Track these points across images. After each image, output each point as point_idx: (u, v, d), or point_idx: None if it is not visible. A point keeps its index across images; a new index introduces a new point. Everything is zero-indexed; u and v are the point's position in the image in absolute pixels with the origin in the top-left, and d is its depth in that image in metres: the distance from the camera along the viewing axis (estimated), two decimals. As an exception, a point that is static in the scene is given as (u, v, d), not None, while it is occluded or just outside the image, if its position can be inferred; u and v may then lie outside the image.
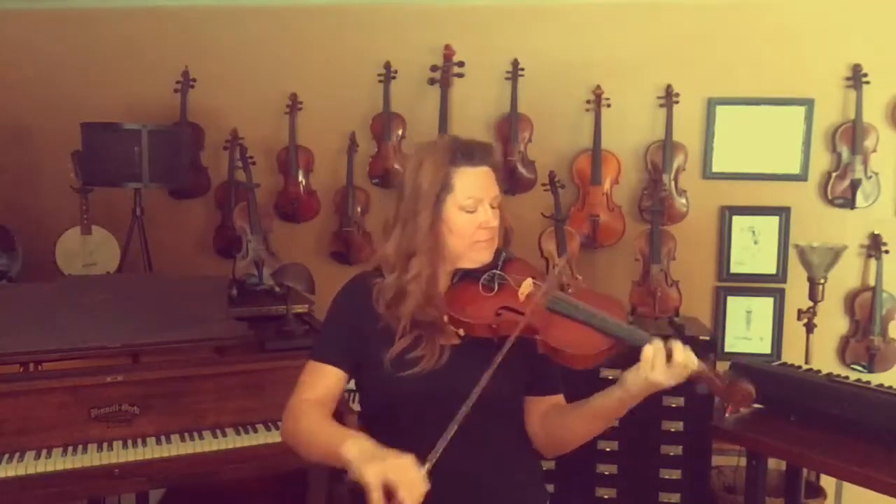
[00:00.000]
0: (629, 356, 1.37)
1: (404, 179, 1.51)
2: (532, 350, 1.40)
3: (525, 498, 1.58)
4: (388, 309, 1.49)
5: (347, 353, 1.53)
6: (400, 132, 3.50)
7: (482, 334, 1.43)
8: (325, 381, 1.51)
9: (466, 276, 1.50)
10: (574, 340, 1.36)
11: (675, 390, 2.88)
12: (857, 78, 3.32)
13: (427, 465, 1.23)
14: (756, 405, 2.59)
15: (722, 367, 2.69)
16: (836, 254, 2.98)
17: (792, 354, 3.26)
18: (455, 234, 1.47)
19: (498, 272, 1.49)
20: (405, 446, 1.33)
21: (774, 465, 2.90)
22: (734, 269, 3.49)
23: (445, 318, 1.45)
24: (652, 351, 1.31)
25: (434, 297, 1.48)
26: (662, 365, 1.31)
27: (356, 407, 2.20)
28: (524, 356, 1.42)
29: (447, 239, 1.48)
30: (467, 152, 1.47)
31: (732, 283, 3.50)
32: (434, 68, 3.47)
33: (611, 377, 2.55)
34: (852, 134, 3.34)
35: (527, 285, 1.46)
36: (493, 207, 1.49)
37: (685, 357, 1.31)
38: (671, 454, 3.11)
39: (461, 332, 1.45)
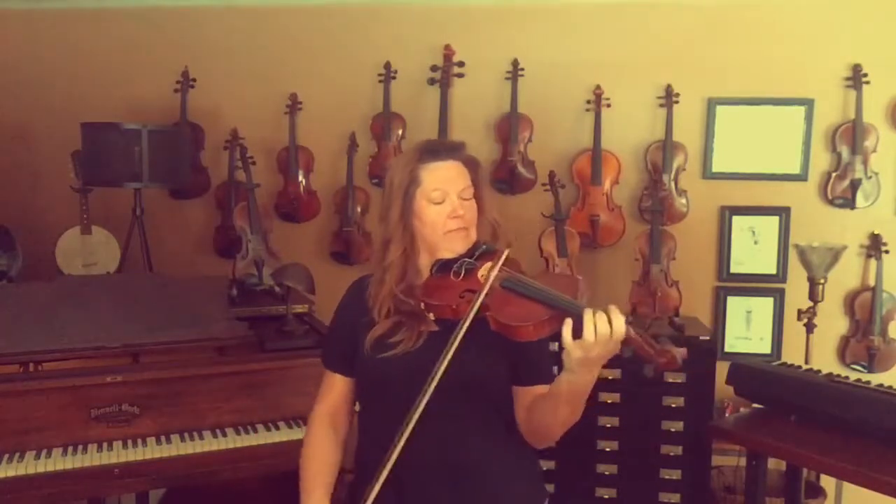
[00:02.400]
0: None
1: (384, 184, 1.63)
2: (491, 330, 1.42)
3: (520, 493, 1.58)
4: (374, 298, 1.58)
5: (348, 358, 1.62)
6: (400, 132, 3.50)
7: (447, 315, 1.49)
8: (334, 389, 1.66)
9: (443, 267, 1.57)
10: (518, 314, 1.41)
11: (675, 391, 2.87)
12: (857, 78, 3.32)
13: None
14: (756, 405, 2.60)
15: (722, 367, 2.68)
16: (836, 254, 2.98)
17: (792, 354, 3.26)
18: (427, 226, 1.55)
19: (468, 260, 1.55)
20: (386, 429, 1.40)
21: (774, 465, 2.91)
22: (734, 269, 3.49)
23: (422, 306, 1.53)
24: (568, 327, 1.30)
25: (412, 287, 1.56)
26: (590, 337, 1.28)
27: (356, 407, 2.21)
28: (502, 343, 1.44)
29: (421, 231, 1.56)
30: (433, 150, 1.58)
31: (732, 283, 3.50)
32: (434, 68, 3.47)
33: (609, 377, 2.55)
34: (852, 134, 3.34)
35: (486, 268, 1.52)
36: (464, 199, 1.56)
37: (604, 328, 1.28)
38: (671, 454, 3.11)
39: (432, 316, 1.53)
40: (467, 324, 1.41)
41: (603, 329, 1.28)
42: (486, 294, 1.44)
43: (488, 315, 1.43)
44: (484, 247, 1.57)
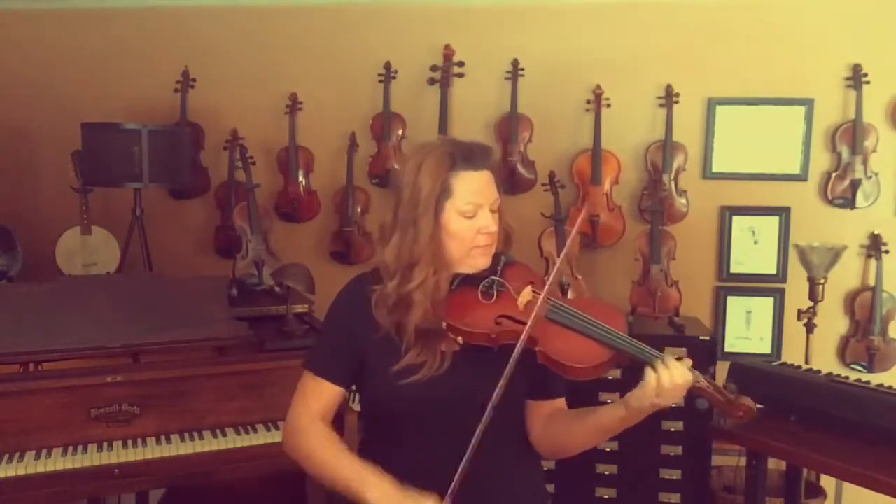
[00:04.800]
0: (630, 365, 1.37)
1: (402, 183, 1.47)
2: (531, 357, 1.38)
3: (526, 500, 1.57)
4: (389, 316, 1.46)
5: (345, 369, 1.53)
6: (400, 132, 3.50)
7: (481, 343, 1.40)
8: (323, 397, 1.53)
9: (465, 282, 1.46)
10: (573, 352, 1.34)
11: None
12: (857, 78, 3.31)
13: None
14: (756, 405, 2.60)
15: (722, 367, 2.68)
16: (836, 254, 2.98)
17: (792, 354, 3.26)
18: (454, 240, 1.44)
19: (497, 279, 1.45)
20: (406, 452, 1.34)
21: (774, 465, 2.90)
22: (734, 269, 3.49)
23: (444, 326, 1.42)
24: (655, 378, 1.29)
25: (437, 304, 1.45)
26: (668, 386, 1.28)
27: (356, 407, 2.21)
28: (524, 362, 1.40)
29: (447, 244, 1.45)
30: (467, 156, 1.44)
31: (732, 283, 3.50)
32: (434, 68, 3.47)
33: (609, 377, 2.56)
34: (852, 134, 3.34)
35: (526, 293, 1.43)
36: (492, 212, 1.47)
37: (685, 377, 1.28)
38: (671, 454, 3.11)
39: (460, 339, 1.42)
40: (514, 362, 1.31)
41: (676, 380, 1.28)
42: (532, 325, 1.35)
43: (537, 350, 1.35)
44: (504, 259, 1.49)
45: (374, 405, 1.56)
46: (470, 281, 1.46)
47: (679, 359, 1.32)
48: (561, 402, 1.55)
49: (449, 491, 1.27)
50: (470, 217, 1.43)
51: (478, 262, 1.47)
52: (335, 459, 1.44)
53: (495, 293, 1.44)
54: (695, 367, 1.34)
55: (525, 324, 1.35)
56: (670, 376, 1.28)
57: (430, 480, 1.34)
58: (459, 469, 1.28)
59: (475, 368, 1.35)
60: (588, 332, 1.35)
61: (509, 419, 1.53)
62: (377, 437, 1.59)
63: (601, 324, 1.36)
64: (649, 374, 1.29)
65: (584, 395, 1.57)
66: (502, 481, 1.52)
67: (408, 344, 1.44)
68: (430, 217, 1.42)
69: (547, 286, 1.41)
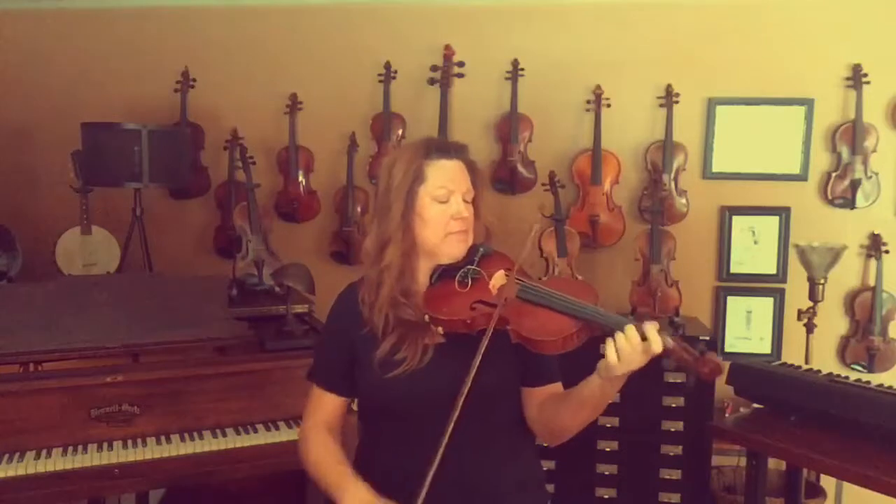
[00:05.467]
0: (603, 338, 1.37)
1: (380, 177, 1.56)
2: (507, 339, 1.41)
3: (525, 498, 1.57)
4: (370, 305, 1.52)
5: (345, 379, 1.58)
6: (400, 132, 3.50)
7: (459, 330, 1.43)
8: (326, 407, 1.61)
9: (444, 274, 1.52)
10: (542, 327, 1.37)
11: (675, 391, 2.88)
12: (857, 78, 3.32)
13: None
14: (756, 405, 2.60)
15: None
16: (836, 254, 2.99)
17: (792, 354, 3.26)
18: (428, 225, 1.50)
19: (472, 267, 1.50)
20: (398, 446, 1.35)
21: (774, 465, 2.91)
22: (734, 269, 3.49)
23: (426, 318, 1.47)
24: (624, 339, 1.30)
25: (412, 294, 1.51)
26: (636, 350, 1.29)
27: (356, 406, 2.21)
28: (511, 347, 1.43)
29: (421, 231, 1.50)
30: (440, 146, 1.53)
31: (732, 283, 3.50)
32: (434, 68, 3.47)
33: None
34: (852, 134, 3.34)
35: (498, 277, 1.48)
36: (466, 202, 1.52)
37: (656, 341, 1.29)
38: (671, 454, 3.11)
39: (440, 330, 1.46)
40: (486, 343, 1.35)
41: (639, 344, 1.28)
42: (502, 306, 1.39)
43: (509, 329, 1.38)
44: (482, 249, 1.53)
45: (366, 401, 1.59)
46: (448, 272, 1.52)
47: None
48: (557, 387, 1.55)
49: (419, 500, 1.30)
50: (443, 202, 1.49)
51: (454, 249, 1.51)
52: (325, 464, 1.52)
53: (470, 281, 1.49)
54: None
55: (496, 306, 1.40)
56: (629, 344, 1.29)
57: (412, 478, 1.36)
58: (430, 474, 1.31)
59: (457, 360, 1.38)
60: (555, 306, 1.39)
61: (505, 412, 1.54)
62: (369, 439, 1.62)
63: (568, 297, 1.39)
64: (619, 336, 1.31)
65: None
66: (500, 480, 1.52)
67: (384, 331, 1.49)
68: (401, 201, 1.49)
69: (514, 270, 1.45)
